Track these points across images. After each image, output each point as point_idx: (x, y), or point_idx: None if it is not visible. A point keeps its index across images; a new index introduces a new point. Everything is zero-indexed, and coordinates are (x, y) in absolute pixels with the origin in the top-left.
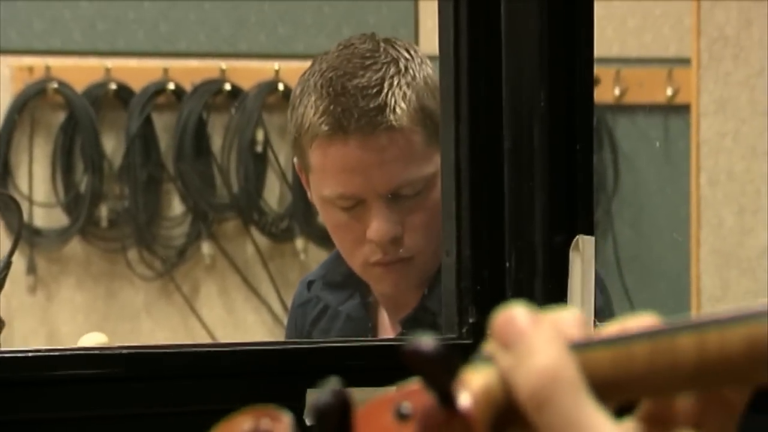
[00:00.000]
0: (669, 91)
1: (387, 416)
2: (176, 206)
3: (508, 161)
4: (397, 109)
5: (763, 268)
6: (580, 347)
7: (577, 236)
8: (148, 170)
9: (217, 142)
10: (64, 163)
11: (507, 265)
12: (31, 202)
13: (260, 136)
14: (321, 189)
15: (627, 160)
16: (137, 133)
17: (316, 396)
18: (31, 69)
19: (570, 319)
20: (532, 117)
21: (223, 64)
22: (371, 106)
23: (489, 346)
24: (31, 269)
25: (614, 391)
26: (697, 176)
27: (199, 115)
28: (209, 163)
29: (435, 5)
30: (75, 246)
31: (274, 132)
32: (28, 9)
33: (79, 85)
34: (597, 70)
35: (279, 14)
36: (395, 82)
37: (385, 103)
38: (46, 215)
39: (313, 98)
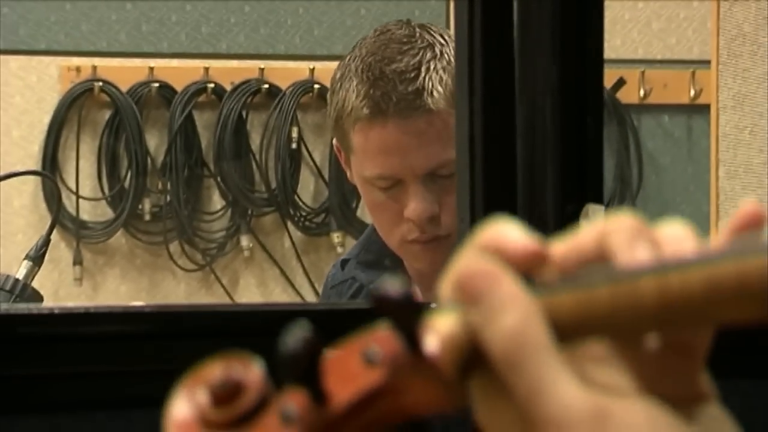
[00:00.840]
0: (692, 92)
1: (355, 361)
2: (216, 201)
3: (520, 132)
4: (435, 93)
5: None
6: (543, 291)
7: (587, 205)
8: (189, 166)
9: (255, 140)
10: (109, 159)
11: None
12: (77, 196)
13: (295, 133)
14: (362, 170)
15: (651, 159)
16: (179, 131)
17: (285, 340)
18: (78, 69)
19: (534, 252)
20: (544, 92)
21: (262, 64)
22: (409, 90)
23: (452, 293)
24: (78, 260)
25: (577, 333)
26: (716, 169)
27: (238, 114)
28: (248, 160)
29: (453, 22)
30: (119, 239)
31: (308, 130)
32: (76, 12)
33: (124, 84)
34: (622, 71)
35: (314, 17)
36: (432, 67)
37: (423, 87)
38: (91, 209)
39: (354, 82)
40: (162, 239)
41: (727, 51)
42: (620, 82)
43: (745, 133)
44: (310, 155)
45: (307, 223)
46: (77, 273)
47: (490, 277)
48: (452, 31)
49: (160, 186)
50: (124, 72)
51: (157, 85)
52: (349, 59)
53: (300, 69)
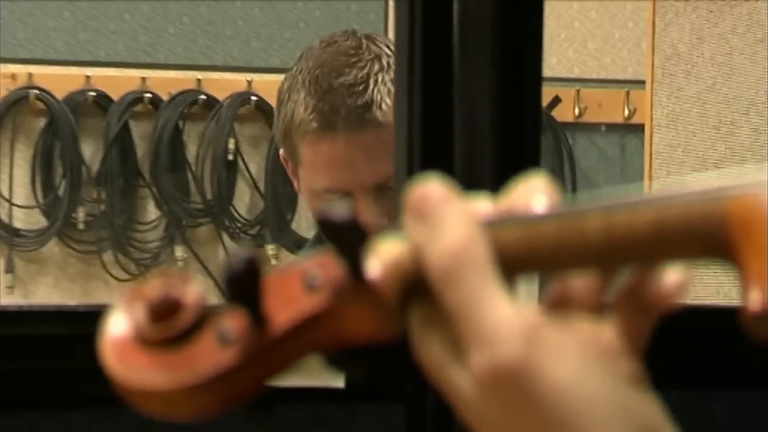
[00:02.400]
0: (626, 111)
1: (296, 285)
2: (151, 211)
3: (458, 140)
4: (383, 106)
5: (710, 275)
6: (491, 225)
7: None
8: (124, 176)
9: (191, 150)
10: (43, 167)
11: None
12: (11, 203)
13: (232, 145)
14: (310, 182)
15: (585, 177)
16: (115, 140)
17: (228, 259)
18: (14, 76)
19: (484, 204)
20: (483, 97)
21: (199, 75)
22: (358, 103)
23: (403, 218)
24: (10, 268)
25: (521, 266)
26: (650, 188)
27: (175, 124)
28: (184, 170)
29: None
30: (52, 247)
31: (245, 141)
32: (12, 19)
33: (60, 92)
34: (558, 89)
35: (253, 29)
36: (380, 79)
37: (372, 100)
38: (25, 217)
39: (302, 95)
40: (96, 248)
41: (662, 70)
42: (556, 100)
43: (678, 152)
44: (247, 167)
45: (242, 234)
46: (9, 281)
47: (442, 196)
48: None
49: (94, 195)
50: (61, 80)
51: (93, 93)
52: (296, 70)
53: (238, 81)
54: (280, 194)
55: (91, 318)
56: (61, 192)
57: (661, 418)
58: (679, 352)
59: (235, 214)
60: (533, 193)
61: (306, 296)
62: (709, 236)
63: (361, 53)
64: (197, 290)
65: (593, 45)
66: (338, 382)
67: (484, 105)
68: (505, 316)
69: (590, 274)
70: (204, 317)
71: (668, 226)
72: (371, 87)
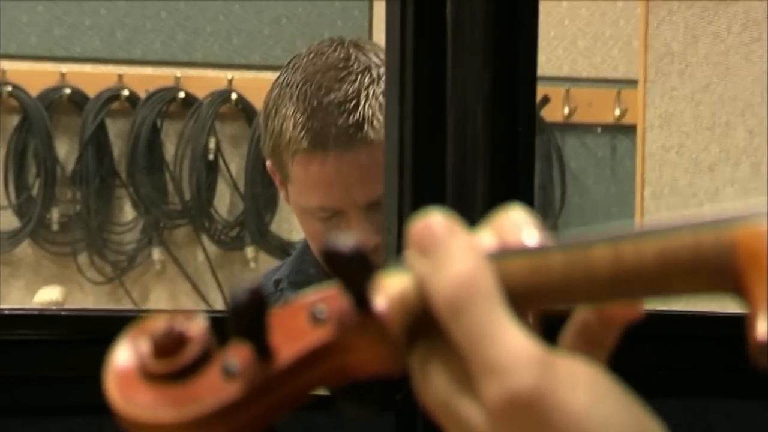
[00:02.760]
0: (617, 112)
1: (301, 319)
2: (128, 212)
3: (450, 141)
4: (375, 123)
5: None
6: (497, 256)
7: (504, 205)
8: (100, 175)
9: (170, 150)
10: (16, 166)
11: None
12: None
13: (212, 144)
14: (300, 200)
15: (574, 178)
16: (90, 139)
17: (232, 293)
18: None
19: (487, 236)
20: (476, 99)
21: (178, 72)
22: (349, 122)
23: (407, 253)
24: None
25: (530, 300)
26: (641, 190)
27: (152, 123)
28: (161, 170)
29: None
30: (25, 249)
31: (226, 141)
32: None
33: (34, 89)
34: (547, 89)
35: (233, 24)
36: (370, 93)
37: (363, 118)
38: None
39: (290, 110)
40: (70, 250)
41: (655, 69)
42: (545, 100)
43: (671, 153)
44: (227, 167)
45: (222, 236)
46: None
47: (445, 228)
48: (378, 40)
49: (69, 195)
50: (34, 76)
51: (68, 90)
52: (284, 82)
53: (218, 78)
54: (259, 196)
55: (67, 322)
56: (34, 192)
57: None
58: (676, 360)
59: (215, 215)
60: (521, 227)
61: (311, 329)
62: (717, 266)
63: (350, 66)
64: (202, 325)
65: (583, 43)
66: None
67: (477, 105)
68: (517, 345)
69: (596, 307)
70: (208, 351)
71: (675, 256)
72: (362, 103)
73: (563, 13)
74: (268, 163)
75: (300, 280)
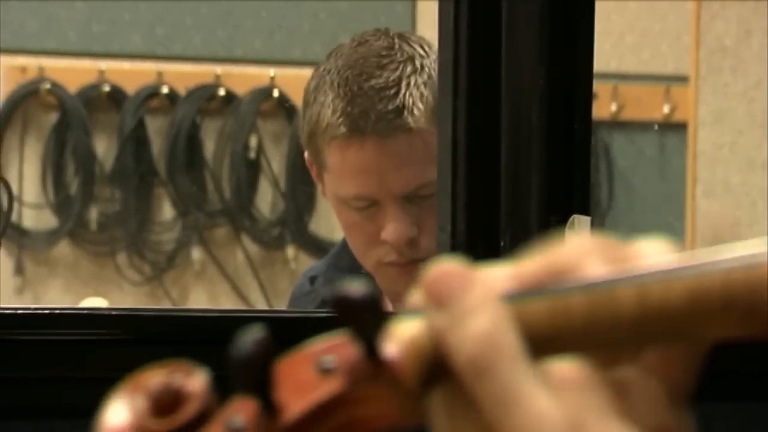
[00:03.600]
0: (666, 109)
1: (309, 370)
2: (167, 211)
3: (505, 138)
4: (415, 111)
5: None
6: (515, 299)
7: (573, 215)
8: (139, 174)
9: (209, 148)
10: (55, 164)
11: (501, 243)
12: (20, 202)
13: (253, 142)
14: (336, 189)
15: (622, 177)
16: (129, 136)
17: (236, 343)
18: (24, 69)
19: (504, 274)
20: (531, 95)
21: (218, 69)
22: (389, 108)
23: (417, 299)
24: (19, 270)
25: (552, 345)
26: (693, 188)
27: (192, 120)
28: (201, 169)
29: (433, 15)
30: (64, 248)
31: (267, 139)
32: (23, 9)
33: (73, 86)
34: (594, 85)
35: (275, 20)
36: (412, 82)
37: (403, 105)
38: (35, 216)
39: (330, 97)
40: (109, 250)
41: (707, 65)
42: (592, 95)
43: (723, 151)
44: (269, 165)
45: (264, 236)
46: (18, 283)
47: (460, 279)
48: (422, 35)
49: (108, 194)
50: (73, 73)
51: (107, 87)
52: (324, 70)
53: (260, 75)
54: (299, 194)
55: (109, 321)
56: (73, 191)
57: None
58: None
59: (255, 214)
60: (587, 254)
61: (320, 381)
62: (748, 307)
63: (393, 54)
64: (202, 380)
65: (631, 38)
66: None
67: (533, 101)
68: (545, 409)
69: (619, 353)
70: (210, 408)
71: (705, 297)
72: (403, 91)
73: (611, 8)
74: (306, 154)
75: (336, 276)
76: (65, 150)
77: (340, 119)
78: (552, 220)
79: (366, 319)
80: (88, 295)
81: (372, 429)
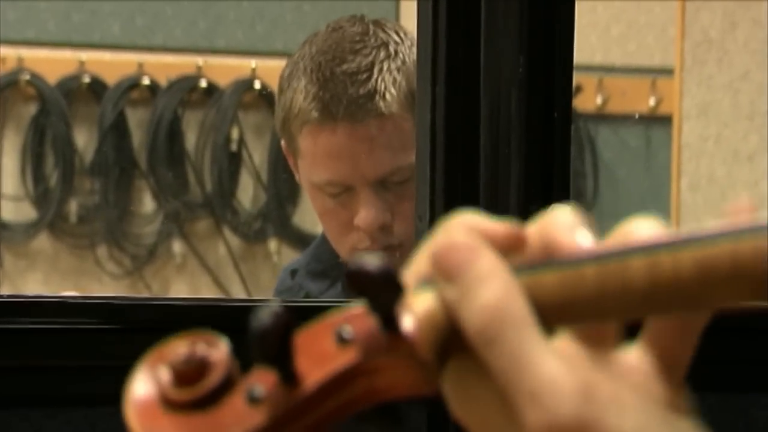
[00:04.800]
0: (652, 101)
1: (328, 340)
2: (148, 203)
3: (484, 126)
4: (387, 96)
5: None
6: (526, 270)
7: (552, 205)
8: (119, 166)
9: (191, 140)
10: (34, 156)
11: None
12: None
13: (235, 134)
14: (310, 175)
15: (607, 170)
16: (110, 128)
17: (256, 317)
18: (2, 59)
19: (512, 233)
20: (511, 82)
21: (200, 60)
22: (360, 92)
23: (430, 271)
24: None
25: (563, 315)
26: (678, 180)
27: (173, 112)
28: (182, 161)
29: (416, 5)
30: (43, 241)
31: (249, 131)
32: None
33: (52, 77)
34: (580, 78)
35: (257, 11)
36: (385, 67)
37: (375, 90)
38: (14, 209)
39: (303, 82)
40: (89, 243)
41: (692, 57)
42: (577, 89)
43: (709, 143)
44: (250, 157)
45: (245, 229)
46: None
47: (468, 251)
48: (406, 26)
49: (88, 186)
50: (53, 64)
51: (87, 78)
52: (299, 57)
53: (242, 66)
54: (281, 187)
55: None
56: (52, 183)
57: None
58: (717, 354)
59: (237, 207)
60: (573, 229)
61: (338, 352)
62: (758, 275)
63: (366, 40)
64: (224, 349)
65: (617, 30)
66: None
67: (512, 89)
68: (557, 373)
69: (630, 321)
70: (232, 377)
71: (714, 265)
72: (375, 75)
73: (597, 0)
74: (282, 142)
75: (318, 269)
76: (45, 142)
77: (312, 104)
78: (531, 209)
79: (382, 291)
80: (68, 288)
81: (389, 399)
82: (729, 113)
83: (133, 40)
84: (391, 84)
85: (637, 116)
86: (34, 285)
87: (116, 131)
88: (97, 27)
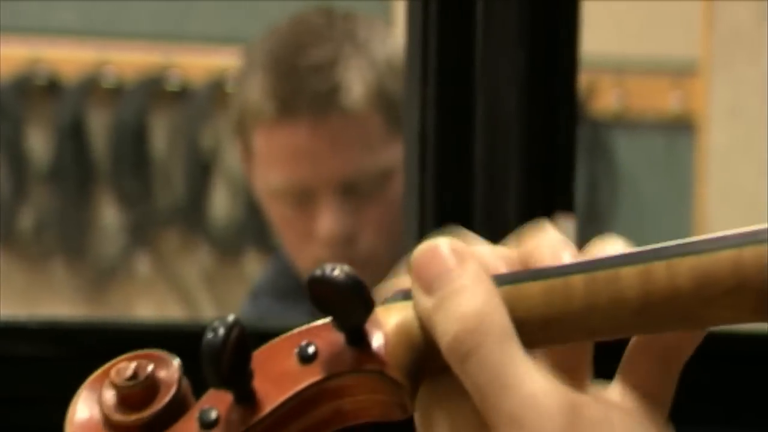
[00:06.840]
0: (674, 102)
1: (289, 358)
2: (110, 214)
3: (479, 130)
4: (353, 91)
5: None
6: (509, 280)
7: (555, 216)
8: (79, 173)
9: (159, 144)
10: None
11: None
12: None
13: (208, 139)
14: (265, 178)
15: (625, 178)
16: (68, 131)
17: (207, 334)
18: None
19: (500, 253)
20: (509, 81)
21: (170, 53)
22: (322, 86)
23: (405, 282)
24: None
25: (548, 331)
26: (703, 191)
27: (139, 114)
28: (149, 167)
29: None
30: None
31: (223, 134)
32: None
33: (3, 73)
34: (593, 75)
35: (243, 4)
36: (351, 61)
37: (339, 84)
38: None
39: (258, 76)
40: (43, 257)
41: (720, 53)
42: (589, 91)
43: (737, 150)
44: (225, 164)
45: (218, 242)
46: None
47: (448, 258)
48: (398, 20)
49: (43, 195)
50: (3, 58)
51: (42, 75)
52: (256, 49)
53: (215, 64)
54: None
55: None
56: (3, 191)
57: None
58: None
59: (210, 218)
60: (558, 251)
61: (300, 370)
62: (762, 288)
63: (332, 31)
64: (175, 369)
65: (635, 22)
66: None
67: (510, 89)
68: (540, 391)
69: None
70: (183, 400)
71: (714, 275)
72: (340, 68)
73: None
74: (239, 146)
75: (279, 286)
76: None
77: (269, 99)
78: (532, 219)
79: (348, 304)
80: (20, 308)
81: (359, 422)
82: (760, 116)
83: (94, 30)
84: (357, 79)
85: (651, 121)
86: None
87: (75, 134)
88: (53, 16)
